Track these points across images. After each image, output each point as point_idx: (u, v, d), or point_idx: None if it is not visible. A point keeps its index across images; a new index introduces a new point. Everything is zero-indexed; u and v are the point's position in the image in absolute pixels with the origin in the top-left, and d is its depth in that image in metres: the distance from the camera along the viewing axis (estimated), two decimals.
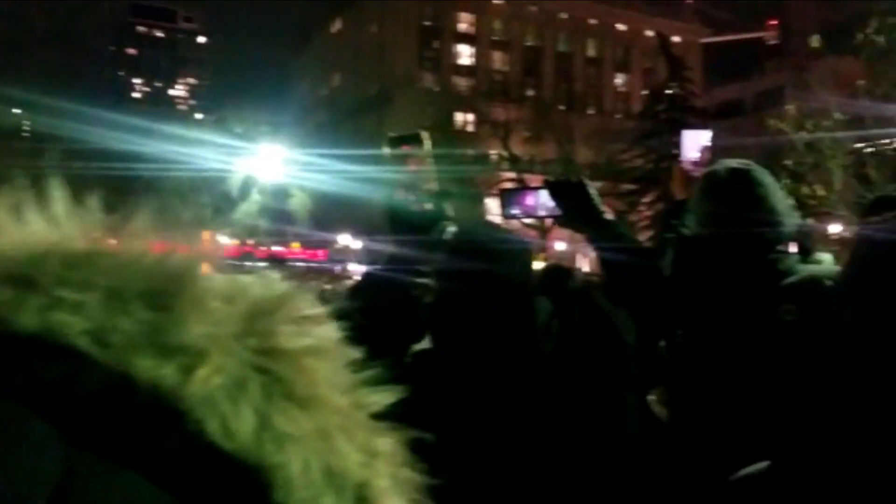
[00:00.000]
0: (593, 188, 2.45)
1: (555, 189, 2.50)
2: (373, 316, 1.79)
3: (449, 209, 2.02)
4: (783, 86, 45.90)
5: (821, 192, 15.45)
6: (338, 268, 38.14)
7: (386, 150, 2.07)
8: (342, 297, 2.15)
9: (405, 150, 2.05)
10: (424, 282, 1.92)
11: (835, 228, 16.01)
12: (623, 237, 2.32)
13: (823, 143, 15.39)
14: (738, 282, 2.26)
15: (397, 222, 2.01)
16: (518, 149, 48.01)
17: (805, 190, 15.39)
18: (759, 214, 2.29)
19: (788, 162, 15.76)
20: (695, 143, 3.17)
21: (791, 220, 2.37)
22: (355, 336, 1.16)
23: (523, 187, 3.57)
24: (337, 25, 70.57)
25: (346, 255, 37.89)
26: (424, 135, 2.07)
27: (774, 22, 77.08)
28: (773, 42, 75.07)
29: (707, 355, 2.28)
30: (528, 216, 2.69)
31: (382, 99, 58.49)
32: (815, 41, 16.13)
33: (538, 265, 3.81)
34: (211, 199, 37.22)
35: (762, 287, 2.24)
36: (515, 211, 2.61)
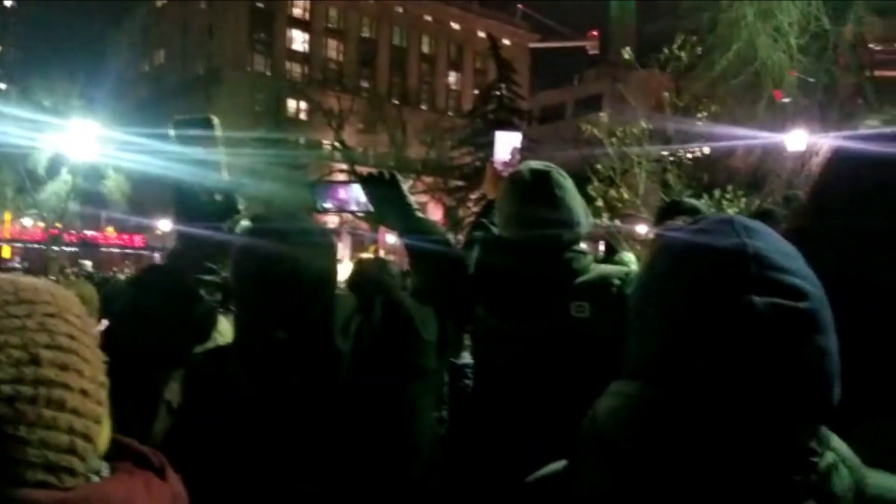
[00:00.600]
0: (404, 183, 2.47)
1: (367, 183, 2.50)
2: (141, 318, 1.71)
3: (240, 201, 1.95)
4: (601, 94, 48.77)
5: (627, 195, 16.60)
6: (157, 255, 36.25)
7: (171, 133, 1.96)
8: (122, 292, 2.03)
9: (193, 133, 1.94)
10: (211, 279, 1.86)
11: (641, 229, 17.26)
12: (432, 233, 2.36)
13: (632, 151, 16.55)
14: (535, 279, 2.37)
15: (184, 213, 1.92)
16: (351, 140, 47.75)
17: (614, 193, 16.47)
18: (557, 215, 2.41)
19: (600, 167, 16.79)
20: (507, 144, 3.26)
21: (587, 221, 2.51)
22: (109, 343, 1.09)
23: (336, 181, 3.55)
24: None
25: (167, 241, 36.05)
26: (215, 120, 1.98)
27: (595, 33, 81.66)
28: (593, 52, 79.57)
29: (504, 351, 2.38)
30: (341, 210, 2.68)
31: (210, 79, 56.09)
32: (626, 54, 17.30)
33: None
34: (15, 177, 34.11)
35: (557, 285, 2.36)
36: (328, 204, 2.59)
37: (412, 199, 2.46)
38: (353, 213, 2.66)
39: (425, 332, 1.87)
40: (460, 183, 44.64)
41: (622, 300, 2.26)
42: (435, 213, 53.07)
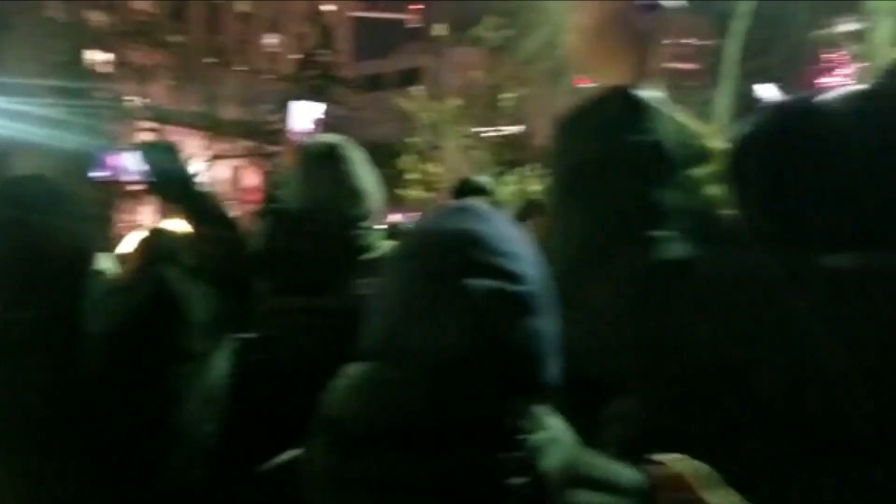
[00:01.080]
0: (184, 155, 2.35)
1: (146, 152, 2.35)
2: None
3: None
4: (420, 67, 49.23)
5: (438, 170, 17.00)
6: None
7: None
8: None
9: None
10: None
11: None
12: (211, 208, 2.26)
13: (443, 126, 16.93)
14: (321, 256, 2.34)
15: None
16: (161, 98, 45.02)
17: (423, 167, 16.83)
18: (344, 189, 2.39)
19: (415, 140, 17.07)
20: (306, 114, 3.20)
21: (376, 197, 2.50)
22: None
23: (114, 148, 3.31)
24: None
25: None
26: None
27: (416, 6, 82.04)
28: (414, 25, 79.94)
29: (288, 328, 2.33)
30: (113, 180, 2.49)
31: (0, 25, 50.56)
32: (440, 30, 17.67)
33: None
34: None
35: (343, 262, 2.34)
36: (99, 173, 2.40)
37: (192, 169, 2.35)
38: (126, 183, 2.48)
39: (193, 311, 1.77)
40: (279, 148, 43.56)
41: None
42: (251, 179, 51.37)
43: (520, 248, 1.02)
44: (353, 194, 2.41)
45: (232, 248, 2.21)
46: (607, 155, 1.03)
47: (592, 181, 1.03)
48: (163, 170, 2.29)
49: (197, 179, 2.29)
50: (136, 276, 1.89)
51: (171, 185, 2.28)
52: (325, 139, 2.48)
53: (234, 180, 55.27)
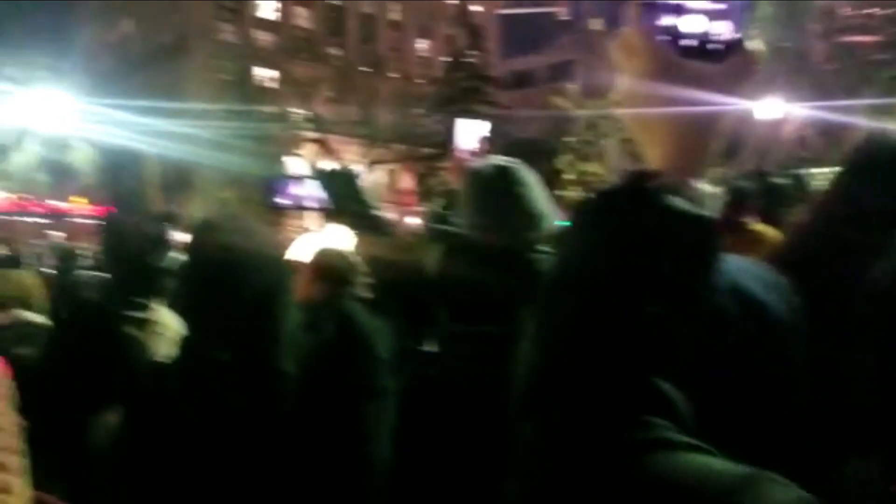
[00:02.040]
0: (363, 180, 2.37)
1: (325, 179, 2.39)
2: (70, 361, 1.61)
3: (171, 232, 1.83)
4: (573, 60, 48.54)
5: (598, 169, 16.54)
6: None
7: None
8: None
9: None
10: (142, 316, 1.75)
11: None
12: (389, 235, 2.27)
13: (601, 122, 16.48)
14: (498, 282, 2.28)
15: (113, 250, 1.80)
16: (321, 109, 47.19)
17: (584, 167, 16.41)
18: (519, 214, 2.32)
19: (571, 139, 16.72)
20: (470, 132, 3.18)
21: (552, 219, 2.42)
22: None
23: (291, 176, 3.44)
24: None
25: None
26: (143, 154, 1.86)
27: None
28: (564, 18, 78.96)
29: (466, 356, 2.30)
30: (296, 207, 2.57)
31: (178, 50, 55.06)
32: (596, 24, 17.15)
33: None
34: None
35: (520, 289, 2.27)
36: (281, 200, 2.48)
37: (370, 195, 2.37)
38: (308, 210, 2.57)
39: (379, 348, 1.77)
40: (431, 151, 44.38)
41: None
42: (406, 182, 52.79)
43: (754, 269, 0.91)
44: (529, 218, 2.33)
45: (411, 278, 2.22)
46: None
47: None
48: (342, 196, 2.33)
49: (375, 206, 2.31)
50: (321, 308, 1.92)
51: (351, 211, 2.32)
52: (497, 161, 2.42)
53: (392, 183, 57.12)
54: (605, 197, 0.86)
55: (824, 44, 19.87)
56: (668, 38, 0.84)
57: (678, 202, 0.79)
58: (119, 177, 1.86)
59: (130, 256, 1.74)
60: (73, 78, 35.37)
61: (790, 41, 17.06)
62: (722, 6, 0.83)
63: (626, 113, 0.88)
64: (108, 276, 1.79)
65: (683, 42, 0.84)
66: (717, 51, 0.83)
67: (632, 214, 0.80)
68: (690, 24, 0.84)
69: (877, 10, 22.96)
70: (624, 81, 0.86)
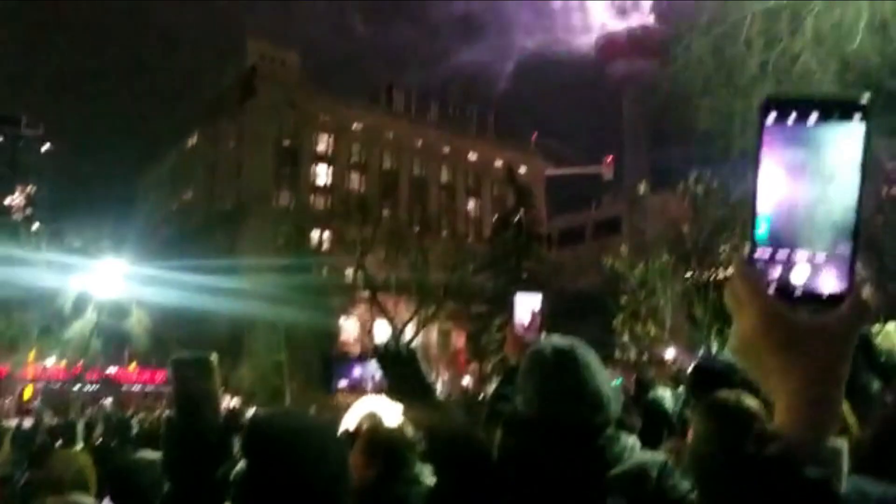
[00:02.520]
0: (420, 361, 2.41)
1: (383, 359, 2.43)
2: None
3: (235, 443, 1.86)
4: (619, 217, 49.38)
5: (654, 331, 16.36)
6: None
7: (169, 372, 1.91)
8: None
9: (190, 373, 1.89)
10: None
11: (669, 355, 16.91)
12: (450, 421, 2.28)
13: (654, 281, 16.46)
14: (565, 469, 2.24)
15: (178, 458, 1.82)
16: (373, 268, 48.22)
17: (640, 328, 16.24)
18: (584, 396, 2.30)
19: (623, 299, 16.68)
20: (526, 306, 3.21)
21: (616, 400, 2.40)
22: None
23: (352, 357, 3.49)
24: (193, 140, 69.78)
25: None
26: (214, 359, 1.93)
27: (610, 159, 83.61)
28: (609, 178, 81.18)
29: None
30: (355, 388, 2.61)
31: (236, 215, 57.66)
32: (642, 188, 17.60)
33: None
34: (41, 316, 34.61)
35: (591, 475, 2.22)
36: (342, 383, 2.53)
37: (430, 379, 2.39)
38: (367, 392, 2.58)
39: None
40: (482, 309, 44.51)
41: (661, 495, 2.12)
42: (458, 341, 52.72)
43: None
44: (593, 402, 2.32)
45: (473, 469, 2.19)
46: None
47: None
48: (402, 378, 2.35)
49: (435, 390, 2.33)
50: (378, 491, 1.90)
51: (410, 395, 2.33)
52: (558, 343, 2.42)
53: (443, 343, 57.11)
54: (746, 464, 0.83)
55: (869, 196, 19.97)
56: (778, 289, 0.84)
57: (807, 470, 0.78)
58: (186, 380, 1.91)
59: (194, 467, 1.75)
60: (134, 246, 36.93)
61: None
62: (826, 257, 0.84)
63: (747, 363, 0.87)
64: (169, 482, 1.81)
65: (793, 293, 0.84)
66: (827, 300, 0.83)
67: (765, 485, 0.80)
68: (799, 276, 0.84)
69: None
70: (738, 329, 0.86)
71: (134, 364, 38.53)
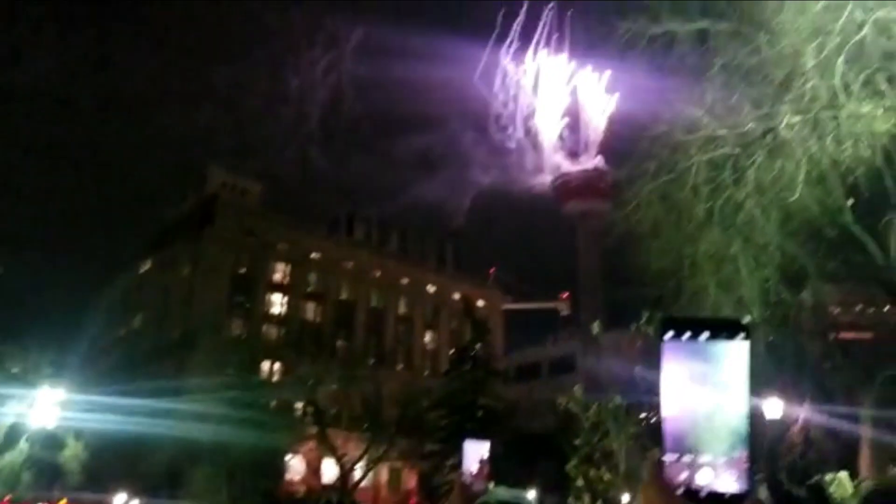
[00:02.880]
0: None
1: None
2: None
3: None
4: (574, 353, 49.39)
5: (608, 475, 16.00)
6: None
7: None
8: None
9: None
10: None
11: (625, 499, 16.40)
12: None
13: (607, 424, 16.23)
14: None
15: None
16: (325, 400, 47.01)
17: (593, 472, 15.87)
18: None
19: (577, 441, 16.35)
20: (475, 454, 3.11)
21: None
22: None
23: (298, 499, 3.21)
24: (146, 266, 69.11)
25: None
26: None
27: (566, 295, 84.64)
28: (565, 313, 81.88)
29: None
30: None
31: (185, 344, 56.38)
32: (595, 328, 17.83)
33: None
34: None
35: None
36: None
37: None
38: None
39: None
40: (436, 447, 43.34)
41: None
42: (409, 480, 50.95)
43: None
44: None
45: None
46: None
47: None
48: None
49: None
50: None
51: None
52: (502, 497, 2.35)
53: (394, 482, 55.18)
54: None
55: (819, 343, 20.35)
56: (685, 491, 0.99)
57: None
58: None
59: None
60: (76, 374, 35.69)
61: (785, 340, 17.49)
62: (726, 460, 0.98)
63: None
64: None
65: (699, 493, 0.99)
66: (729, 500, 0.98)
67: None
68: (703, 478, 0.99)
69: (866, 308, 23.77)
70: None
71: (64, 501, 36.21)
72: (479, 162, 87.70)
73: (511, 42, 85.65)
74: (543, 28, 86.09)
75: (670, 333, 1.03)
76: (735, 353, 0.99)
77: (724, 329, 1.02)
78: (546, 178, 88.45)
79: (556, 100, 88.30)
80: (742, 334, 1.00)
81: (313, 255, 65.97)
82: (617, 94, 79.73)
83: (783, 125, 12.21)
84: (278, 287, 64.27)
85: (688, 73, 14.48)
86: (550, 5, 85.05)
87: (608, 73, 79.83)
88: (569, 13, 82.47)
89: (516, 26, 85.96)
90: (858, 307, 24.68)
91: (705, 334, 1.01)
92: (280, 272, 64.73)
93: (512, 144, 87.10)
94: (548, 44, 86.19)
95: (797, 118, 12.20)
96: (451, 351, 62.17)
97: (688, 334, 1.01)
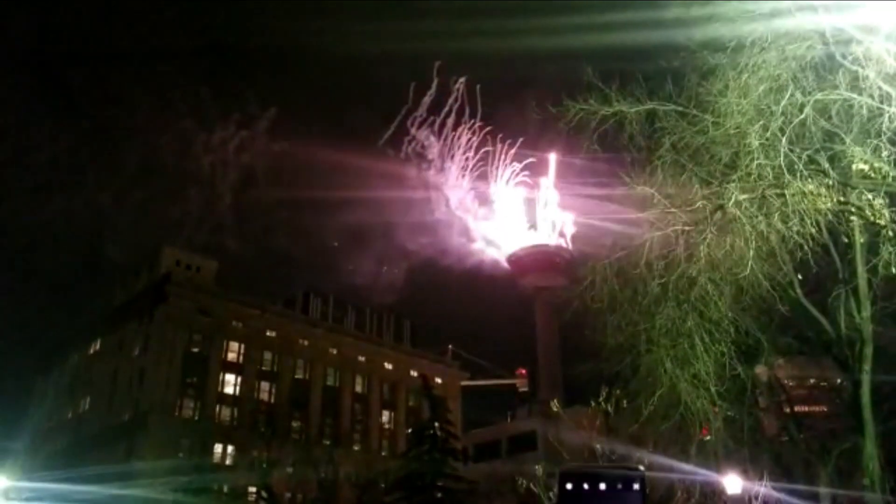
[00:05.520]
0: None
1: None
2: None
3: None
4: (534, 431, 48.79)
5: None
6: None
7: None
8: None
9: None
10: None
11: None
12: None
13: None
14: None
15: None
16: (280, 484, 45.48)
17: None
18: None
19: None
20: None
21: None
22: None
23: None
24: (96, 346, 67.16)
25: None
26: None
27: (523, 372, 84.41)
28: (523, 389, 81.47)
29: None
30: None
31: (135, 426, 54.46)
32: (554, 406, 17.76)
33: None
34: None
35: None
36: None
37: None
38: None
39: None
40: None
41: None
42: None
43: None
44: None
45: None
46: None
47: None
48: None
49: None
50: None
51: None
52: None
53: None
54: None
55: (775, 417, 20.46)
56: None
57: None
58: None
59: None
60: (22, 458, 34.19)
61: (742, 415, 17.56)
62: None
63: None
64: None
65: None
66: None
67: None
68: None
69: (819, 382, 24.03)
70: None
71: None
72: (440, 239, 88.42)
73: (448, 113, 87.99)
74: (457, 101, 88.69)
75: (569, 485, 1.10)
76: (632, 500, 1.08)
77: (620, 480, 1.10)
78: (501, 253, 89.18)
79: (499, 175, 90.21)
80: (637, 484, 1.08)
81: (268, 334, 64.89)
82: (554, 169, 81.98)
83: (731, 202, 12.50)
84: (232, 366, 62.77)
85: (638, 152, 14.84)
86: (461, 79, 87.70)
87: (554, 152, 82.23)
88: (477, 86, 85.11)
89: (428, 98, 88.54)
90: (812, 381, 24.96)
91: (602, 484, 1.09)
92: (234, 351, 63.33)
93: (450, 218, 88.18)
94: (473, 117, 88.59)
95: (745, 196, 12.51)
96: (409, 430, 61.00)
97: (585, 485, 1.09)
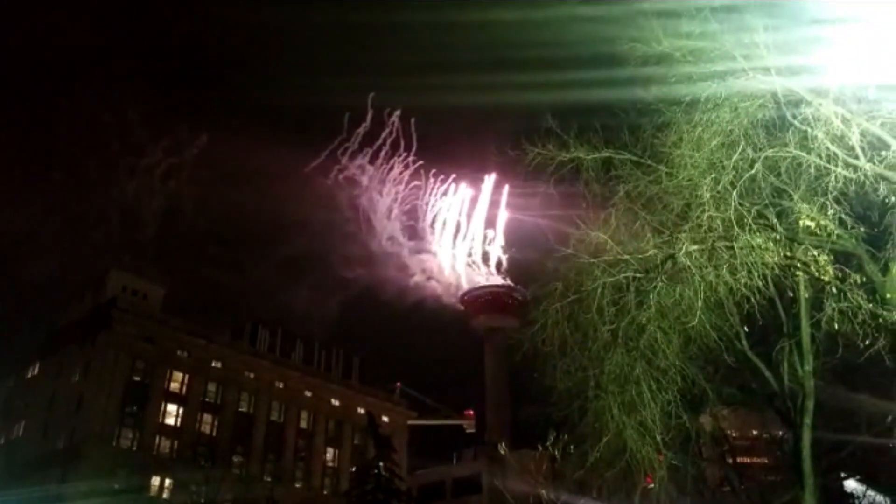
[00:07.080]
0: None
1: None
2: None
3: None
4: (480, 473, 48.43)
5: None
6: None
7: None
8: None
9: None
10: None
11: None
12: None
13: None
14: None
15: None
16: None
17: None
18: None
19: None
20: None
21: None
22: None
23: None
24: (34, 370, 64.94)
25: None
26: None
27: (471, 412, 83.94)
28: (470, 430, 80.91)
29: None
30: None
31: (70, 454, 52.55)
32: (501, 449, 17.65)
33: None
34: None
35: None
36: None
37: None
38: None
39: None
40: None
41: None
42: None
43: None
44: None
45: None
46: None
47: None
48: None
49: None
50: None
51: None
52: None
53: None
54: None
55: (717, 467, 20.67)
56: None
57: None
58: None
59: None
60: None
61: (685, 464, 17.71)
62: None
63: None
64: None
65: None
66: None
67: None
68: None
69: (762, 433, 24.33)
70: None
71: None
72: (391, 277, 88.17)
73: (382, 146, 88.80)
74: (391, 134, 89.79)
75: None
76: None
77: None
78: (457, 293, 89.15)
79: (433, 208, 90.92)
80: None
81: (213, 364, 63.52)
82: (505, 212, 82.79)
83: (682, 252, 12.71)
84: (174, 397, 61.15)
85: (593, 198, 15.05)
86: (397, 112, 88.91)
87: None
88: (412, 120, 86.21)
89: (361, 130, 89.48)
90: (754, 432, 25.26)
91: None
92: (177, 381, 61.76)
93: (425, 256, 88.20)
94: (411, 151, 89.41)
95: (695, 247, 12.74)
96: (353, 469, 59.96)
97: None
